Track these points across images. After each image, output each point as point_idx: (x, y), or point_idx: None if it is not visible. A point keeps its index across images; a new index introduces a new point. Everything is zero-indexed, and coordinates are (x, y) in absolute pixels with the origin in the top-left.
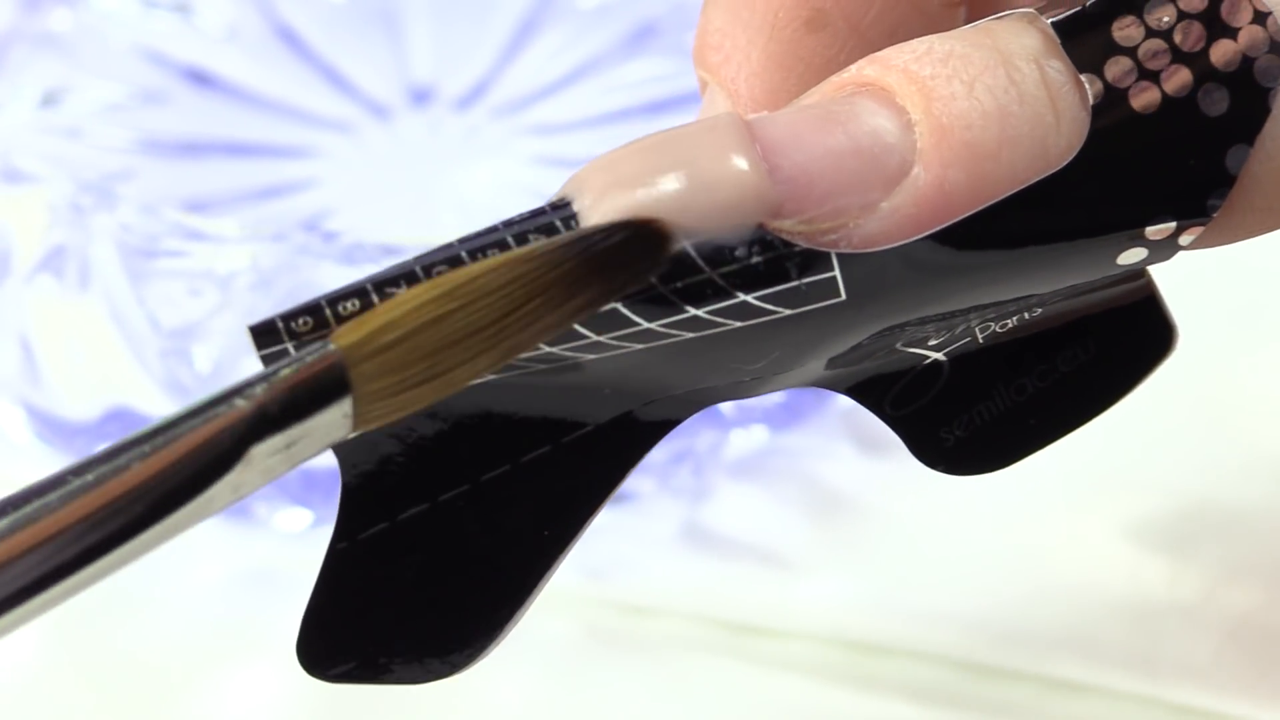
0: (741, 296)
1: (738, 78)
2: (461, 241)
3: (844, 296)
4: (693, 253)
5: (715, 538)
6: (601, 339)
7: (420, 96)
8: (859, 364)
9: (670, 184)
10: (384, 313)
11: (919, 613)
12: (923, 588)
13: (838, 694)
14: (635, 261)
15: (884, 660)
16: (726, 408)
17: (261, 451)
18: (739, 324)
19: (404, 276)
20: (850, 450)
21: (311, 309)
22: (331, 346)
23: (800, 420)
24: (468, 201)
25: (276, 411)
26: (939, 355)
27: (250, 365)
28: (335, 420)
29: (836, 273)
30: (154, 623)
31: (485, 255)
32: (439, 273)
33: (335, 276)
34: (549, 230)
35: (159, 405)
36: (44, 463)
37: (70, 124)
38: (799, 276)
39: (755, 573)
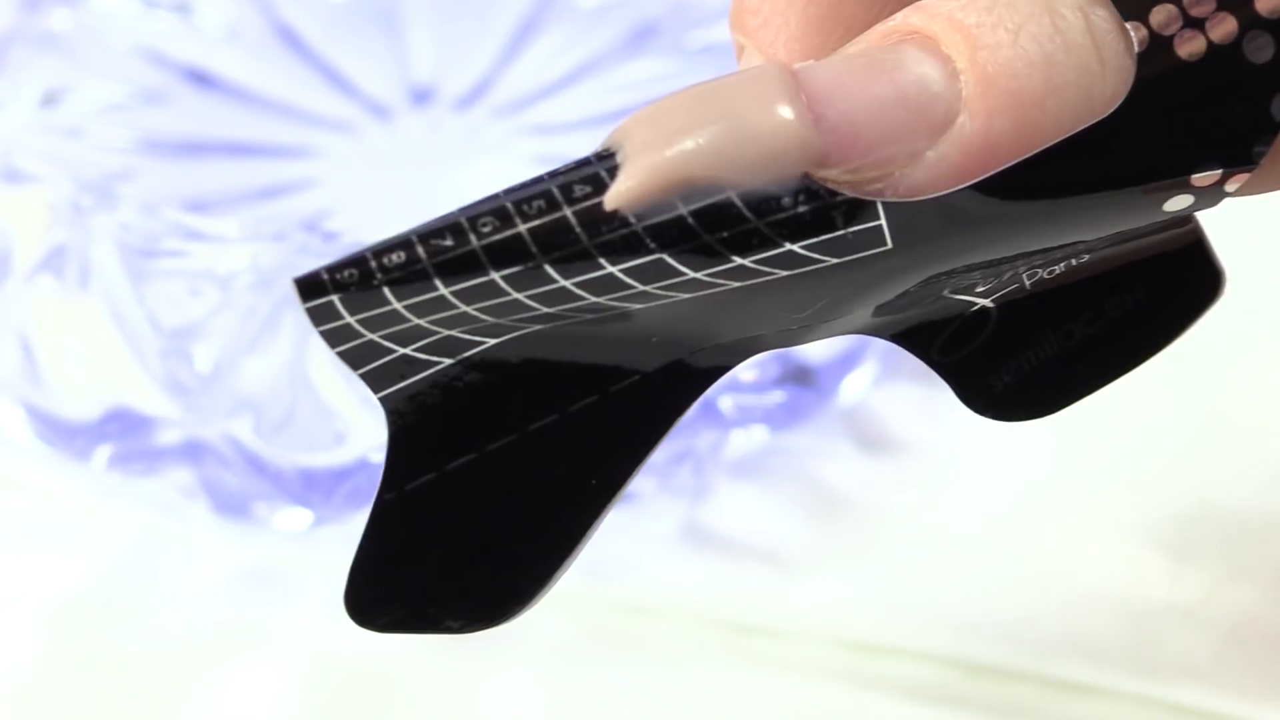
0: (788, 246)
1: (775, 42)
2: (507, 192)
3: (890, 245)
4: (738, 202)
5: (715, 538)
6: (648, 289)
7: (421, 96)
8: (906, 311)
9: (715, 136)
10: None
11: (919, 613)
12: (923, 588)
13: (838, 694)
14: None
15: (884, 660)
16: (726, 406)
17: None
18: (785, 273)
19: (449, 229)
20: (850, 450)
21: (356, 261)
22: None
23: (800, 420)
24: (468, 201)
25: None
26: (987, 302)
27: (250, 368)
28: None
29: (883, 221)
30: (154, 623)
31: (530, 206)
32: (484, 224)
33: None
34: (594, 181)
35: (159, 405)
36: (44, 463)
37: (70, 124)
38: (845, 225)
39: (755, 573)
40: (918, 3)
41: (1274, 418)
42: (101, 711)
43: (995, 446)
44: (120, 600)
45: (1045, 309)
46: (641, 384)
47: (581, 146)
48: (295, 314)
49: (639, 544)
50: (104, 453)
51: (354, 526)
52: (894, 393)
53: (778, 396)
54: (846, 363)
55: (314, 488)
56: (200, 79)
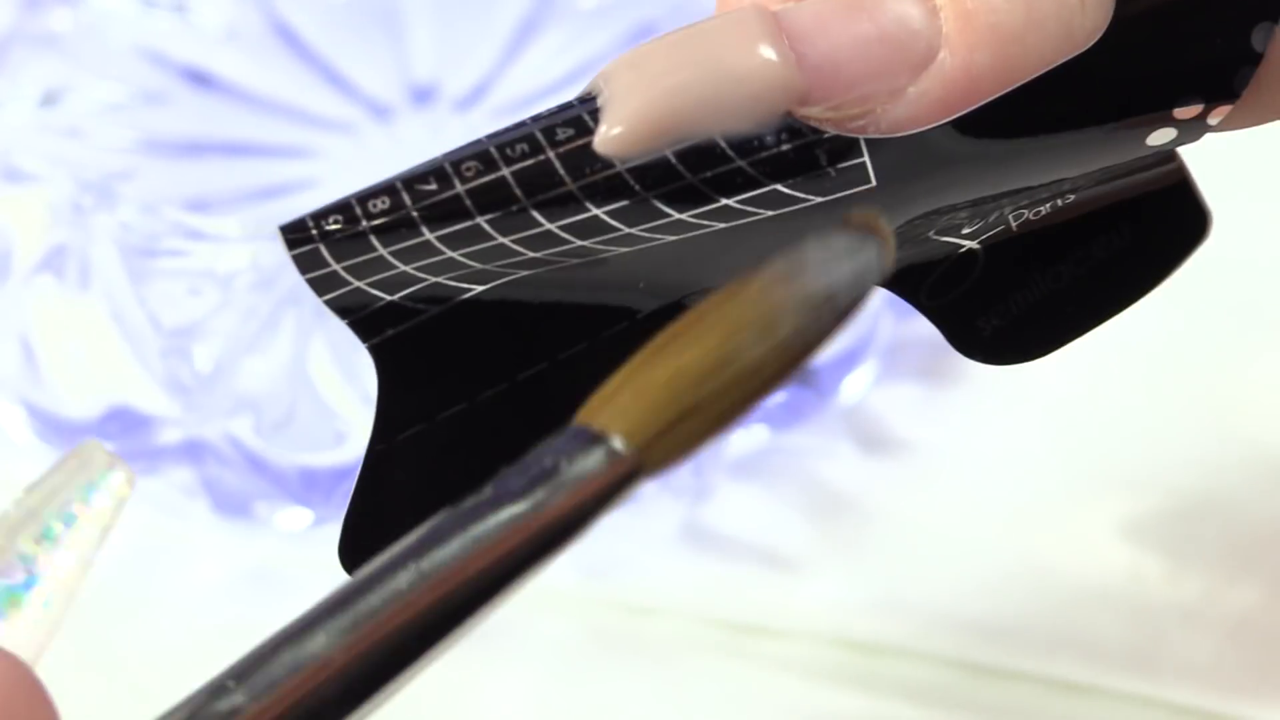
0: (772, 185)
1: None
2: (490, 137)
3: (874, 183)
4: (722, 143)
5: (715, 538)
6: (633, 231)
7: (421, 96)
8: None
9: (697, 78)
10: (661, 402)
11: (919, 612)
12: (923, 587)
13: (838, 694)
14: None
15: (884, 660)
16: None
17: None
18: (771, 213)
19: (433, 174)
20: (850, 450)
21: (342, 207)
22: (621, 451)
23: (800, 420)
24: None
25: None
26: (974, 244)
27: (251, 367)
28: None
29: (866, 159)
30: (154, 623)
31: (514, 150)
32: (469, 169)
33: None
34: (577, 124)
35: (159, 405)
36: (44, 462)
37: (70, 124)
38: (828, 163)
39: (755, 573)
40: None
41: (1274, 418)
42: (101, 711)
43: (995, 446)
44: (120, 600)
45: (1033, 250)
46: (631, 329)
47: None
48: (296, 313)
49: (639, 544)
50: None
51: None
52: (894, 393)
53: (778, 396)
54: (847, 362)
55: (314, 487)
56: (200, 79)
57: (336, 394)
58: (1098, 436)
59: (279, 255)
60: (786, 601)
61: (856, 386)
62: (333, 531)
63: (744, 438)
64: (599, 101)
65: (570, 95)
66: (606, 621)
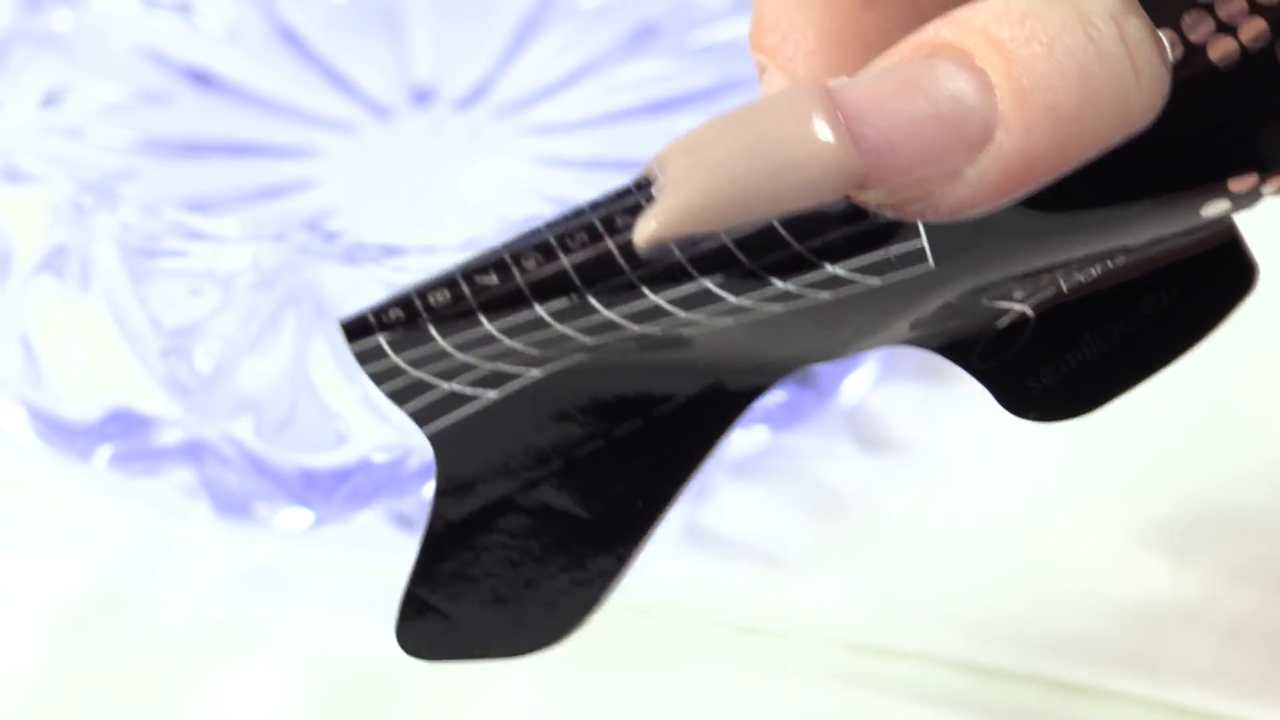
0: (830, 269)
1: (795, 58)
2: (550, 227)
3: (931, 264)
4: (780, 227)
5: (715, 538)
6: (692, 316)
7: (421, 96)
8: (945, 322)
9: (755, 165)
10: None
11: (920, 613)
12: (924, 588)
13: (838, 695)
14: None
15: (885, 661)
16: None
17: None
18: (829, 295)
19: (493, 265)
20: (851, 450)
21: (402, 301)
22: None
23: (801, 420)
24: (469, 202)
25: None
26: (1025, 307)
27: (251, 368)
28: None
29: (924, 241)
30: (154, 623)
31: (574, 240)
32: (528, 260)
33: (336, 276)
34: (636, 212)
35: (160, 405)
36: (44, 463)
37: (71, 124)
38: (887, 247)
39: (756, 573)
40: (948, 16)
41: (1274, 418)
42: (101, 711)
43: (995, 446)
44: (120, 600)
45: (1083, 311)
46: (685, 406)
47: (582, 146)
48: (296, 314)
49: None
50: (105, 453)
51: (355, 526)
52: (894, 393)
53: (778, 396)
54: (847, 363)
55: (315, 488)
56: (201, 79)
57: (337, 395)
58: (1098, 437)
59: (280, 255)
60: (787, 601)
61: (857, 386)
62: (333, 532)
63: (745, 437)
64: (655, 189)
65: (569, 95)
66: (606, 621)
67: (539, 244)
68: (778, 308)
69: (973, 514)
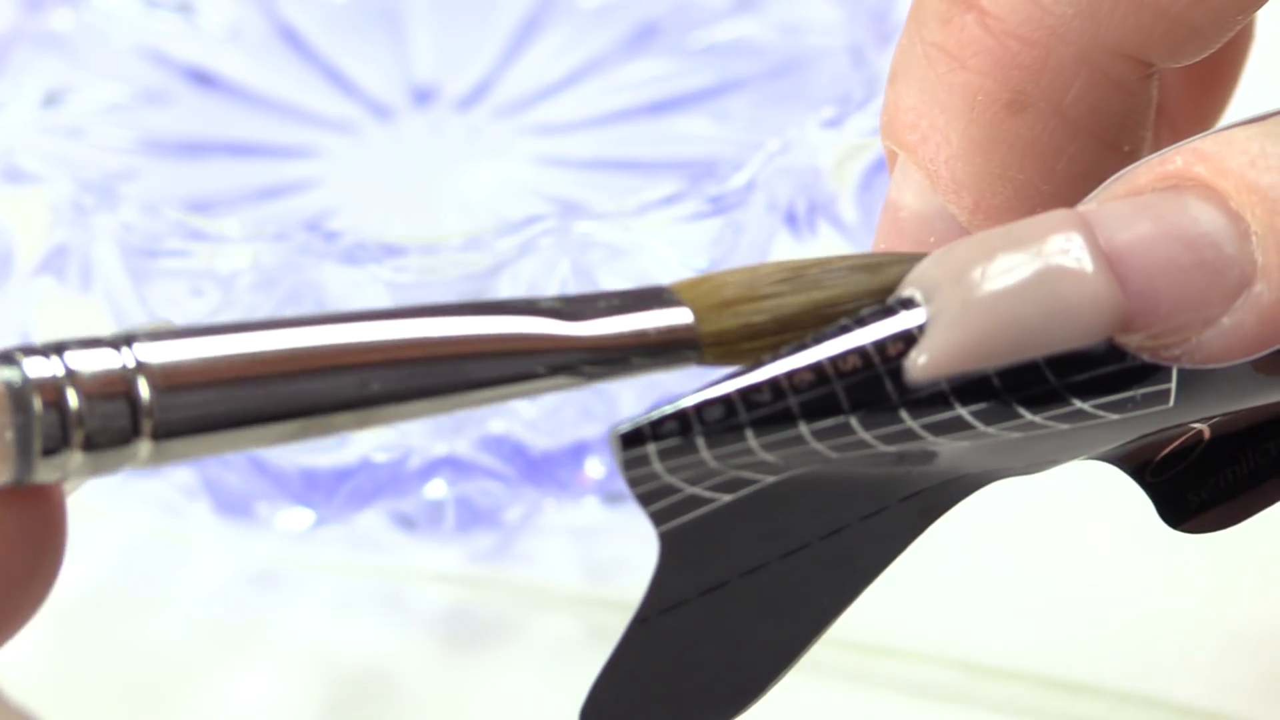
0: (1077, 404)
1: (937, 159)
2: (822, 346)
3: (1171, 405)
4: (1043, 364)
5: None
6: (939, 439)
7: (422, 96)
8: (1137, 443)
9: (1032, 307)
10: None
11: (919, 612)
12: (923, 588)
13: (838, 694)
14: None
15: (884, 660)
16: None
17: None
18: (1067, 427)
19: (768, 385)
20: None
21: (678, 416)
22: (678, 299)
23: None
24: (470, 201)
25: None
26: (1202, 425)
27: None
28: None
29: (1173, 383)
30: (154, 623)
31: (845, 363)
32: (800, 381)
33: (337, 276)
34: (907, 339)
35: None
36: None
37: (72, 124)
38: (1136, 387)
39: None
40: (1193, 146)
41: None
42: (102, 711)
43: None
44: (120, 600)
45: (1249, 429)
46: (887, 514)
47: (583, 146)
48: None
49: (639, 544)
50: None
51: (355, 526)
52: None
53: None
54: None
55: (316, 488)
56: (202, 79)
57: None
58: None
59: (281, 255)
60: None
61: None
62: (334, 532)
63: None
64: (925, 316)
65: (570, 95)
66: (606, 621)
67: (812, 365)
68: (1015, 435)
69: (971, 514)
